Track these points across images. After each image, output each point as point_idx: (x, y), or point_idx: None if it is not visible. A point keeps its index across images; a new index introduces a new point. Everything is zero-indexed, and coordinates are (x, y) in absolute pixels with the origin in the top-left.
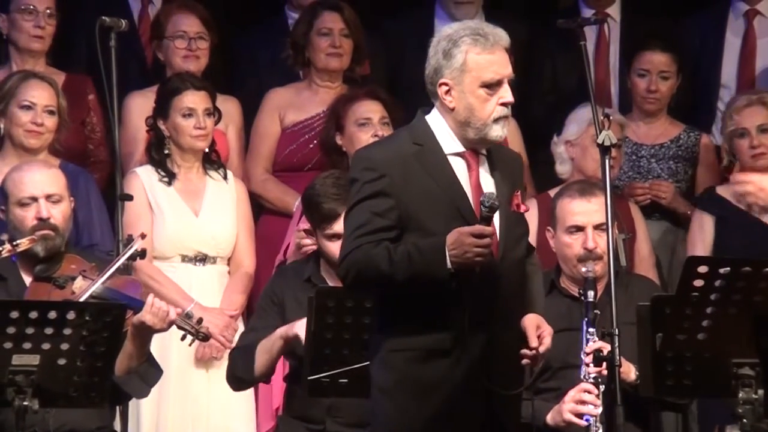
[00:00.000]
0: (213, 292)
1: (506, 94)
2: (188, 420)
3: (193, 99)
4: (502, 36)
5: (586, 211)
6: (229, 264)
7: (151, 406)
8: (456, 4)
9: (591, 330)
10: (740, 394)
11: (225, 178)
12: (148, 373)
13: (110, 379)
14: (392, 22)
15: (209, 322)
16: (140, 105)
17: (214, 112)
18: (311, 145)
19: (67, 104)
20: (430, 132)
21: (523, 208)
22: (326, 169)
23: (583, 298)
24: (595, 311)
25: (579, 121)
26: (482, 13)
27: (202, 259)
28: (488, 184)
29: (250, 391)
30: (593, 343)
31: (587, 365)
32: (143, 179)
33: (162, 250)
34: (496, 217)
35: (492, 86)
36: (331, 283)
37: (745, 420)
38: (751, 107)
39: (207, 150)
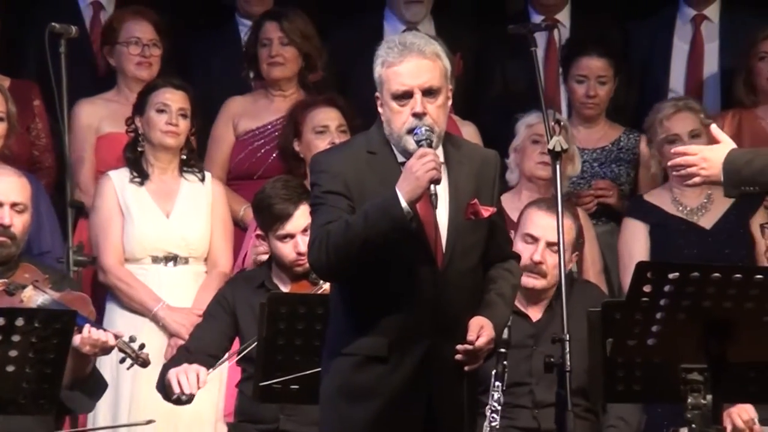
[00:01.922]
0: (185, 292)
1: (415, 104)
2: (160, 424)
3: (170, 96)
4: (416, 46)
5: (546, 225)
6: (206, 263)
7: (124, 405)
8: (406, 3)
9: (497, 384)
10: (689, 400)
11: (202, 180)
12: (93, 387)
13: (60, 386)
14: (341, 27)
15: (176, 322)
16: (88, 112)
17: (192, 118)
18: (259, 154)
19: None
20: (386, 140)
21: (484, 213)
22: (277, 175)
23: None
24: (504, 363)
25: (521, 126)
26: (431, 17)
27: (173, 259)
28: (440, 193)
29: (219, 396)
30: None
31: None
32: (115, 183)
33: (132, 251)
34: (443, 225)
35: (401, 98)
36: (283, 289)
37: (693, 425)
38: (680, 113)
39: (185, 154)
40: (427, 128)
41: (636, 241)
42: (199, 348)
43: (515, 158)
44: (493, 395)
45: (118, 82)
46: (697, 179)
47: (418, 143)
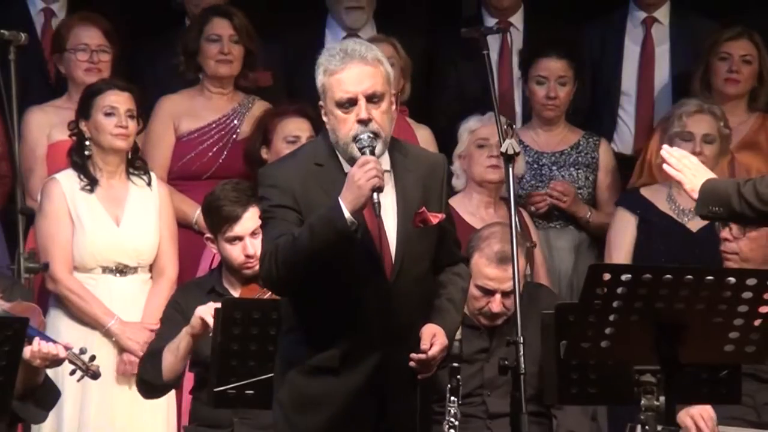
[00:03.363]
0: (134, 302)
1: (360, 111)
2: None
3: (116, 98)
4: (358, 52)
5: (499, 277)
6: (151, 270)
7: (72, 423)
8: (347, 9)
9: (452, 399)
10: (642, 401)
11: (149, 184)
12: (46, 397)
13: (12, 393)
14: (284, 33)
15: (130, 339)
16: (39, 120)
17: (138, 117)
18: (210, 154)
19: None
20: (332, 150)
21: (433, 220)
22: (227, 176)
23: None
24: (458, 377)
25: (464, 132)
26: (373, 21)
27: (123, 270)
28: (388, 202)
29: (174, 406)
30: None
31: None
32: (64, 187)
33: (82, 261)
34: (392, 234)
35: (345, 105)
36: (233, 293)
37: (647, 426)
38: (702, 115)
39: (130, 155)
40: (370, 135)
41: (624, 233)
42: (163, 346)
43: (461, 164)
44: (449, 410)
45: (68, 89)
46: (682, 178)
47: (361, 150)
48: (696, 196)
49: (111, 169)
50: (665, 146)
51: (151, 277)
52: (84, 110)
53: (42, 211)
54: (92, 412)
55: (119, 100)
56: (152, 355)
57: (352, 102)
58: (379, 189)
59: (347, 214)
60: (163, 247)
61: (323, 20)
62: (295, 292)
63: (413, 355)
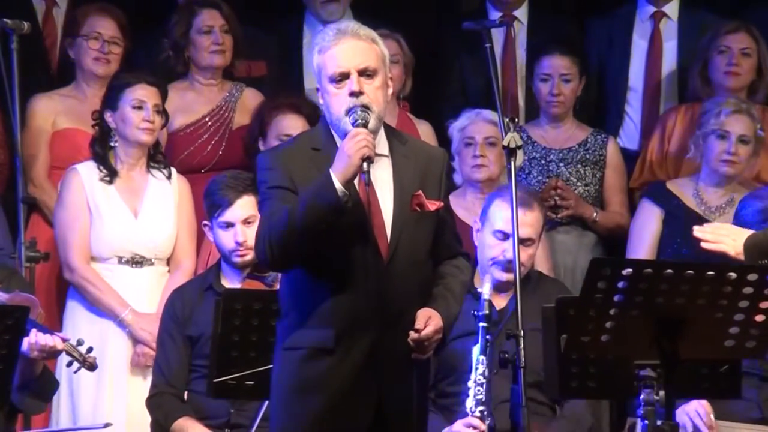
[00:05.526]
0: (150, 294)
1: (351, 84)
2: (125, 424)
3: (145, 93)
4: (351, 29)
5: (520, 222)
6: (168, 263)
7: (87, 410)
8: (322, 3)
9: (481, 357)
10: (642, 396)
11: (169, 177)
12: (43, 389)
13: (11, 382)
14: (264, 30)
15: (143, 330)
16: (45, 107)
17: (163, 112)
18: (209, 147)
19: None
20: (330, 135)
21: (431, 206)
22: (228, 167)
23: (476, 312)
24: (487, 337)
25: (454, 130)
26: (350, 11)
27: (140, 262)
28: (385, 185)
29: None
30: (481, 374)
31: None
32: (83, 177)
33: (99, 251)
34: (388, 218)
35: (338, 80)
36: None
37: (647, 421)
38: (740, 114)
39: (152, 149)
40: (362, 109)
41: (648, 226)
42: (176, 380)
43: (457, 162)
44: (477, 368)
45: (76, 77)
46: (724, 248)
47: (353, 124)
48: (743, 258)
49: (132, 161)
50: (696, 227)
51: (169, 270)
52: (111, 102)
53: (61, 201)
54: (106, 403)
55: (148, 95)
56: (160, 410)
57: (344, 76)
58: (369, 159)
59: (338, 185)
60: (181, 240)
61: (302, 16)
62: (289, 267)
63: (412, 334)
